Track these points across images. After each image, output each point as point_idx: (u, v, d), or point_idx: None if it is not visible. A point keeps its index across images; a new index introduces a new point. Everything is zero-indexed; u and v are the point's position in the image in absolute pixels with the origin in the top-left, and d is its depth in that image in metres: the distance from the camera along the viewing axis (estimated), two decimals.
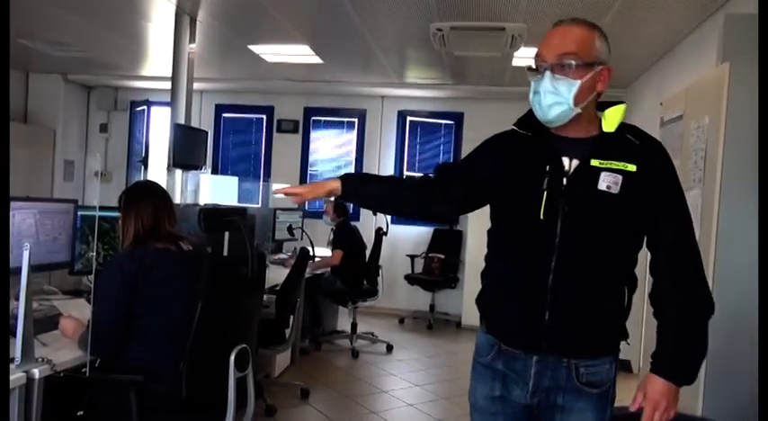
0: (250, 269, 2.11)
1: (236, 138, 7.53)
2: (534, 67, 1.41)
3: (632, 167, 1.37)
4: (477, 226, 5.72)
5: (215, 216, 2.18)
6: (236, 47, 5.35)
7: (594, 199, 1.38)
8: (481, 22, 4.22)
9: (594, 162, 1.39)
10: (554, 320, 1.39)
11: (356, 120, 7.19)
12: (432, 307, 6.71)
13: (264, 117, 7.37)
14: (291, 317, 3.72)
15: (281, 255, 5.29)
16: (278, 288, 3.76)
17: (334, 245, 5.23)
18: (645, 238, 1.46)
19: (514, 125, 1.51)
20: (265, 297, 4.12)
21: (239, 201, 7.24)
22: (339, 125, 7.31)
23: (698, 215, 2.53)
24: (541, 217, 1.39)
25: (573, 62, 1.35)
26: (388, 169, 7.09)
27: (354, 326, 5.27)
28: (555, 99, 1.37)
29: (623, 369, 4.94)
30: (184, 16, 4.47)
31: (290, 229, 5.22)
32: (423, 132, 7.12)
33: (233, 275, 2.18)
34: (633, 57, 4.93)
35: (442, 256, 6.52)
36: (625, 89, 6.04)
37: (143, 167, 6.84)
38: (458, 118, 6.91)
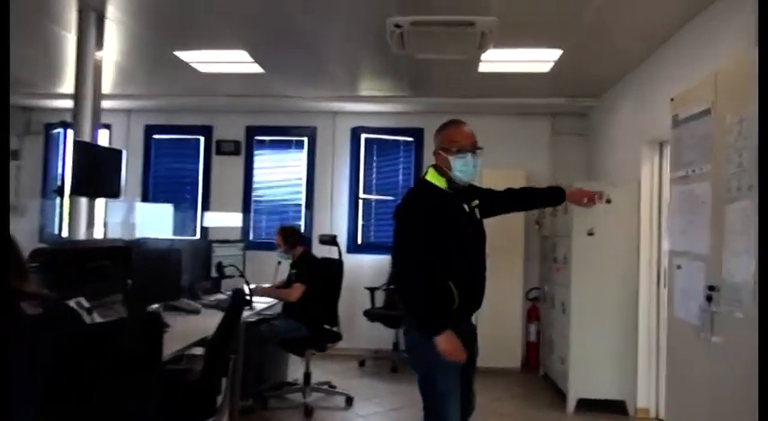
0: (128, 338, 1.36)
1: (171, 163, 6.71)
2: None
3: None
4: None
5: (65, 260, 1.41)
6: (160, 53, 4.59)
7: None
8: (447, 15, 3.61)
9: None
10: None
11: (305, 139, 6.49)
12: (395, 345, 5.94)
13: (202, 138, 6.58)
14: (224, 379, 2.93)
15: (220, 296, 4.47)
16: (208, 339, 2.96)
17: (297, 278, 4.44)
18: None
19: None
20: (199, 350, 3.34)
21: (174, 233, 6.46)
22: (286, 145, 6.60)
23: (752, 230, 1.95)
24: None
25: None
26: (342, 192, 6.41)
27: (308, 376, 4.48)
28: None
29: (618, 411, 4.39)
30: (89, 12, 3.68)
31: (219, 267, 4.37)
32: (380, 151, 6.48)
33: (107, 350, 1.42)
34: (616, 58, 4.46)
35: None
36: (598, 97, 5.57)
37: (58, 198, 5.94)
38: (418, 134, 6.29)
